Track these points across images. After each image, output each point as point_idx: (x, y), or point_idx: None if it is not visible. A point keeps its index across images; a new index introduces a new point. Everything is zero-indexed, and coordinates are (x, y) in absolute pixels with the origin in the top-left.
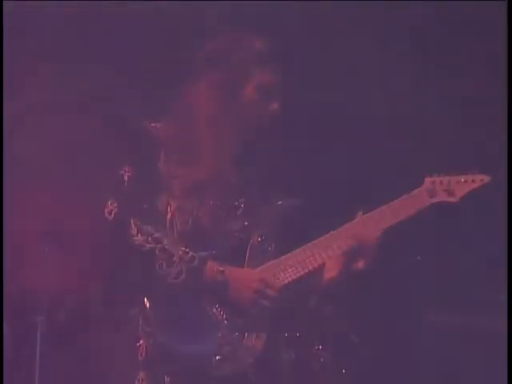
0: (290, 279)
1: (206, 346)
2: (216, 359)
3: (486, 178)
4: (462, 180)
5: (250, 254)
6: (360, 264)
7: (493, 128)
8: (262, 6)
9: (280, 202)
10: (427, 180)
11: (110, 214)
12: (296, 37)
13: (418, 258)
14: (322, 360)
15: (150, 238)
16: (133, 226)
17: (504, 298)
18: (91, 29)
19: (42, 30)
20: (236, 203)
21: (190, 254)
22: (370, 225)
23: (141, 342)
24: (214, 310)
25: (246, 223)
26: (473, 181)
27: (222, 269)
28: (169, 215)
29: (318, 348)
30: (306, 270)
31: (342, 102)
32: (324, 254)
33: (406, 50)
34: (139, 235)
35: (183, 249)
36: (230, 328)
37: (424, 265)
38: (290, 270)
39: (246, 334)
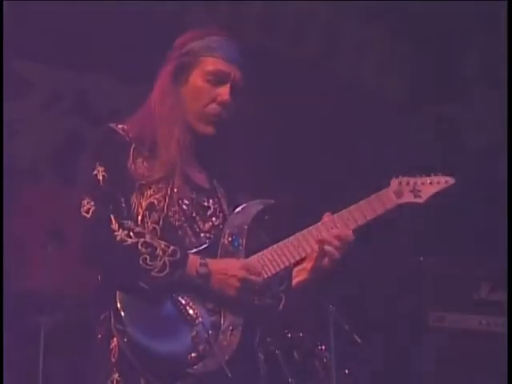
0: (269, 274)
1: (180, 344)
2: (191, 357)
3: (451, 180)
4: (428, 181)
5: (221, 254)
6: (330, 263)
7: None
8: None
9: (244, 205)
10: (393, 181)
11: (87, 212)
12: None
13: (421, 258)
14: (324, 360)
15: (131, 233)
16: (113, 221)
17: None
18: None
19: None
20: (206, 204)
21: (172, 247)
22: (339, 224)
23: (114, 342)
24: (188, 307)
25: (216, 223)
26: (438, 182)
27: (204, 261)
28: (140, 214)
29: (321, 348)
30: (283, 266)
31: (309, 100)
32: (297, 252)
33: (394, 50)
34: (120, 230)
35: (164, 243)
36: (204, 326)
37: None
38: (269, 265)
39: (221, 332)
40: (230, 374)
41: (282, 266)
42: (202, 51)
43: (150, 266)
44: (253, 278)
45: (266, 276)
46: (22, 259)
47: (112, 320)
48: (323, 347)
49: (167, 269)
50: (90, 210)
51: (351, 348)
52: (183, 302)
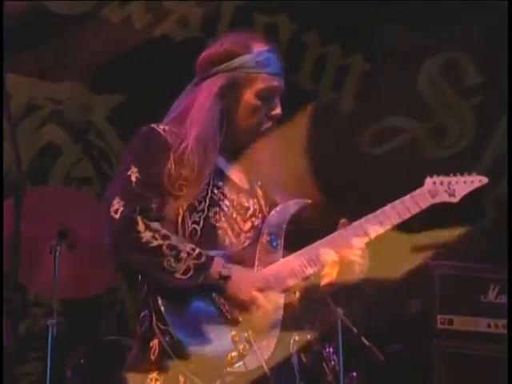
0: (295, 281)
1: (220, 343)
2: (231, 356)
3: (485, 180)
4: (462, 181)
5: (260, 253)
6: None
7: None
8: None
9: (282, 205)
10: (428, 180)
11: (116, 212)
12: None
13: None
14: (332, 363)
15: (157, 235)
16: (140, 222)
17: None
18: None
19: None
20: (246, 204)
21: (197, 250)
22: (375, 225)
23: (154, 340)
24: (227, 306)
25: (255, 223)
26: (472, 182)
27: (228, 265)
28: (180, 215)
29: (329, 351)
30: (311, 271)
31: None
32: (327, 255)
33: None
34: (146, 232)
35: (190, 245)
36: (243, 325)
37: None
38: (295, 272)
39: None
40: (269, 373)
41: (311, 271)
42: (254, 68)
43: (173, 268)
44: (271, 293)
45: (298, 279)
46: (34, 261)
47: (154, 319)
48: (331, 349)
49: (191, 271)
50: (119, 211)
51: (359, 350)
52: (223, 300)
